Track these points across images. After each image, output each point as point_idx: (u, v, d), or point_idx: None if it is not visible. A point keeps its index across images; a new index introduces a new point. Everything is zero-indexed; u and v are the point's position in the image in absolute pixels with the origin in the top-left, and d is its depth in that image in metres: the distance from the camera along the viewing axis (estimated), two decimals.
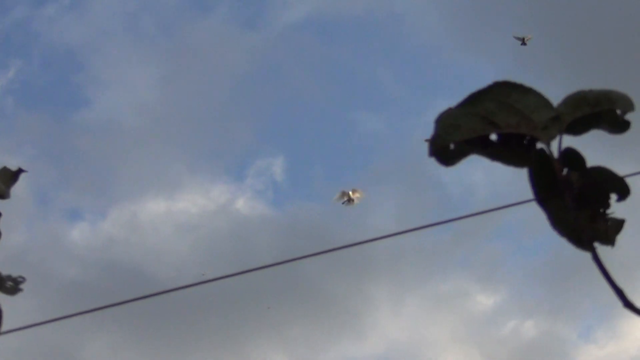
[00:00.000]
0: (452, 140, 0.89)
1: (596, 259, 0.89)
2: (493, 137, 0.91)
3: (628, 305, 0.86)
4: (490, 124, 0.90)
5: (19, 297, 1.19)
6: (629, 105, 0.89)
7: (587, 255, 0.90)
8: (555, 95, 0.93)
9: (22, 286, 1.20)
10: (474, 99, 0.89)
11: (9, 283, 1.19)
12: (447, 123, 0.88)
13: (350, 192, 10.59)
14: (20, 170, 1.16)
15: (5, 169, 1.18)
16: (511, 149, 0.92)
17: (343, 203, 10.64)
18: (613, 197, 0.92)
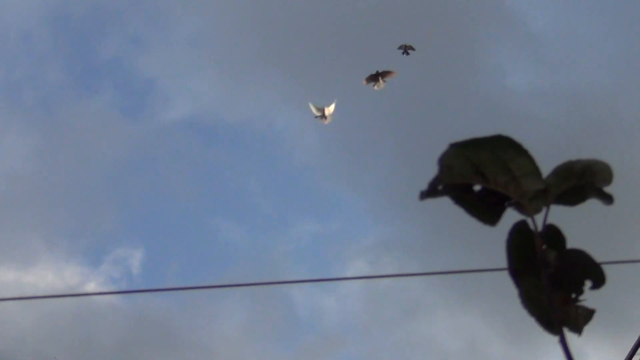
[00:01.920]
0: (444, 182, 0.82)
1: (563, 343, 0.83)
2: (476, 187, 0.86)
3: None
4: (479, 175, 0.84)
5: None
6: (607, 178, 0.86)
7: None
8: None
9: None
10: (473, 143, 0.83)
11: None
12: (445, 164, 0.82)
13: (326, 109, 10.30)
14: None
15: None
16: (487, 204, 0.86)
17: (316, 118, 10.39)
18: (587, 283, 0.87)
